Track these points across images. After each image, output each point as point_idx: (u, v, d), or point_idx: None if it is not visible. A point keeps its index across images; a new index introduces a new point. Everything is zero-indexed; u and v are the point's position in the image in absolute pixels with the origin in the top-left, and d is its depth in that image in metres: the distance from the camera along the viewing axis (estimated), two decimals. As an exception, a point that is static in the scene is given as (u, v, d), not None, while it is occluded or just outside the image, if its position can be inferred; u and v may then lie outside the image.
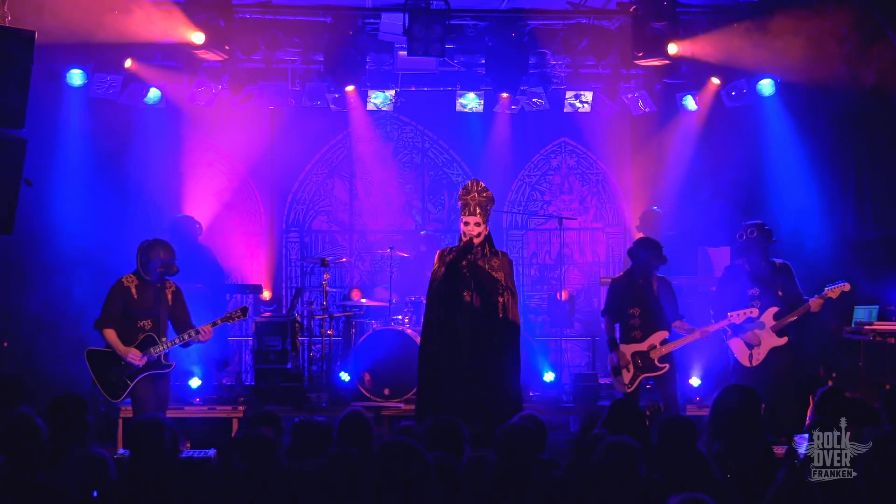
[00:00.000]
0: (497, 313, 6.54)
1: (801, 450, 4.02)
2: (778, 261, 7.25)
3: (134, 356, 6.52)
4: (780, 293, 7.11)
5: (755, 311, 6.96)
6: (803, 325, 8.46)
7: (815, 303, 6.99)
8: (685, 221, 9.87)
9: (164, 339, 6.61)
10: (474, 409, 6.23)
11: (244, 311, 6.79)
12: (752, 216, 9.46)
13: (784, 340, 7.07)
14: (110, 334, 6.58)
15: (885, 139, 8.87)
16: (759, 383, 7.03)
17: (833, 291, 6.95)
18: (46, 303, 8.68)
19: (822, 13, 8.00)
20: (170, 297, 6.74)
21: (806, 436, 4.72)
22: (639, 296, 7.19)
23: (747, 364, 7.13)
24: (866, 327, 7.92)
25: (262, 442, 4.14)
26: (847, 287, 6.95)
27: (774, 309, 7.13)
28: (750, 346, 7.11)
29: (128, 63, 8.62)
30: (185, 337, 6.63)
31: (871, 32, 7.87)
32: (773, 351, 7.08)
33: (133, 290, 6.66)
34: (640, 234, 9.50)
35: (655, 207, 9.75)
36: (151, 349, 6.58)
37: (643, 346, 7.15)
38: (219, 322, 6.74)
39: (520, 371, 6.64)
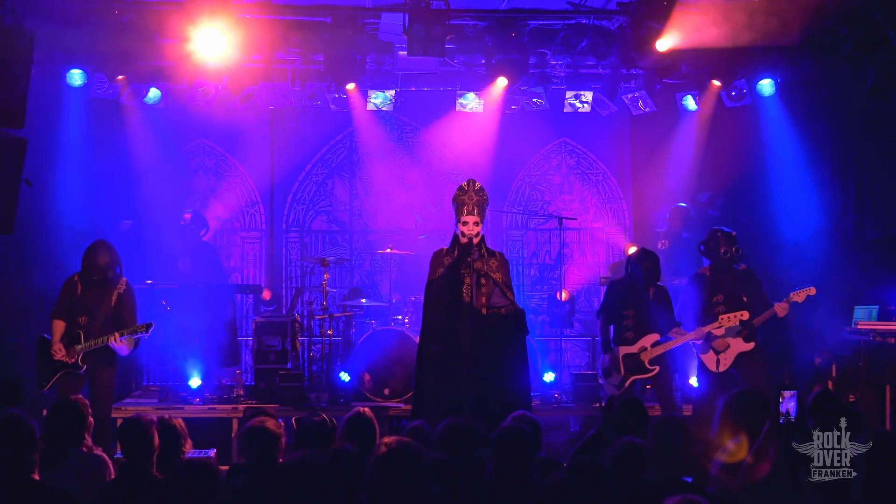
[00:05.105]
0: (498, 313, 6.54)
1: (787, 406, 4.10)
2: (741, 266, 7.23)
3: (56, 350, 6.81)
4: (744, 298, 7.10)
5: (745, 314, 6.95)
6: (800, 329, 8.49)
7: (780, 307, 6.97)
8: (685, 221, 9.86)
9: (90, 341, 6.80)
10: (477, 410, 6.22)
11: (147, 326, 6.86)
12: (753, 216, 9.50)
13: (751, 346, 7.06)
14: (55, 325, 6.91)
15: (885, 139, 8.87)
16: (729, 388, 7.02)
17: (798, 295, 6.94)
18: (48, 302, 8.67)
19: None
20: (114, 298, 6.92)
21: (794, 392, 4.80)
22: (634, 298, 7.24)
23: (714, 370, 7.14)
24: (866, 327, 7.91)
25: (265, 435, 4.14)
26: (812, 291, 6.93)
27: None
28: (717, 353, 7.11)
29: (119, 77, 8.65)
30: (100, 341, 6.80)
31: (871, 32, 7.87)
32: (741, 356, 7.08)
33: (78, 287, 6.96)
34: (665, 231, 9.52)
35: (683, 204, 9.70)
36: (75, 347, 6.80)
37: (634, 349, 7.21)
38: (125, 332, 6.82)
39: (527, 370, 6.60)
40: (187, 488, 3.81)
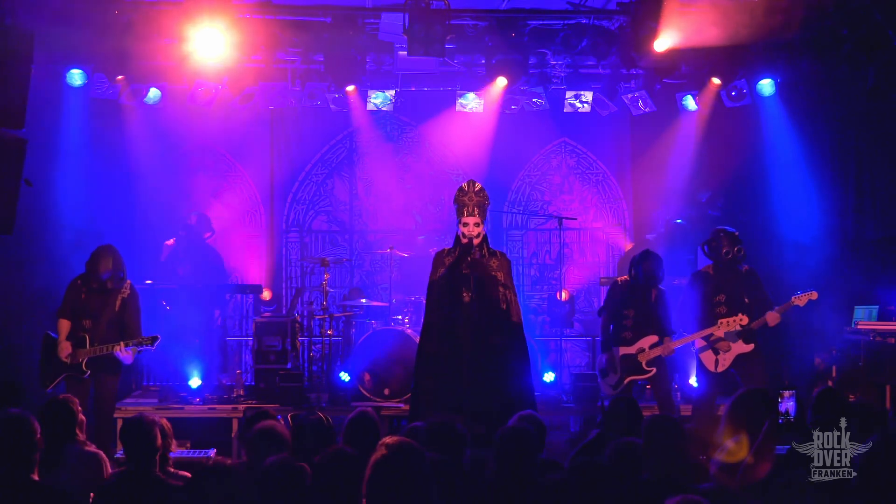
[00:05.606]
0: (498, 313, 6.53)
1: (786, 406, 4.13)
2: (744, 267, 7.22)
3: (63, 349, 6.84)
4: (746, 300, 7.09)
5: (745, 319, 6.94)
6: (800, 329, 8.48)
7: (772, 317, 6.93)
8: (685, 221, 9.87)
9: (94, 347, 6.83)
10: (476, 410, 6.22)
11: (153, 340, 6.91)
12: (752, 216, 9.50)
13: (751, 347, 7.04)
14: (60, 323, 6.94)
15: (885, 139, 8.87)
16: (729, 388, 7.02)
17: (800, 299, 6.92)
18: (48, 302, 8.67)
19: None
20: (118, 302, 6.94)
21: (794, 392, 4.83)
22: (636, 299, 7.24)
23: (712, 370, 7.13)
24: (866, 327, 7.91)
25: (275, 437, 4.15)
26: (814, 295, 6.91)
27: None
28: (717, 353, 7.10)
29: (119, 77, 8.65)
30: (105, 349, 6.83)
31: (871, 32, 7.86)
32: (741, 357, 7.07)
33: (82, 291, 6.98)
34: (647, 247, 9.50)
35: (679, 220, 9.69)
36: (80, 351, 6.84)
37: (632, 349, 7.20)
38: (130, 343, 6.87)
39: (528, 370, 6.60)
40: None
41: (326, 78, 8.98)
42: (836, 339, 8.23)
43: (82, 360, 6.84)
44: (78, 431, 4.76)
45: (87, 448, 4.72)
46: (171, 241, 9.15)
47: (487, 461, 4.27)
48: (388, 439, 3.30)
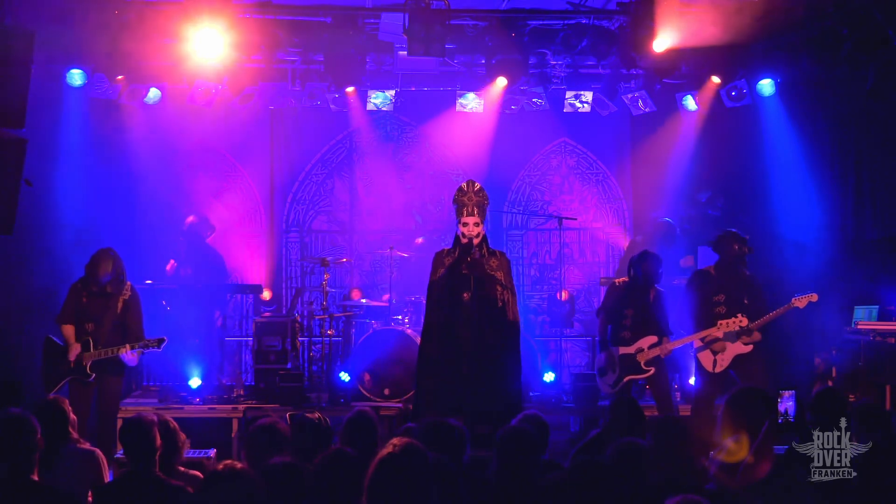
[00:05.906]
0: (497, 313, 6.54)
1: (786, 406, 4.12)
2: (747, 271, 7.23)
3: (74, 350, 6.84)
4: (745, 301, 7.09)
5: (745, 321, 6.93)
6: (800, 329, 8.48)
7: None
8: (685, 221, 9.87)
9: (99, 349, 6.86)
10: (475, 410, 6.23)
11: (159, 342, 6.97)
12: (752, 216, 9.49)
13: (749, 347, 7.05)
14: (65, 329, 6.95)
15: (884, 139, 8.87)
16: (728, 389, 7.02)
17: (800, 301, 6.93)
18: (48, 302, 8.67)
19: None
20: (120, 305, 6.96)
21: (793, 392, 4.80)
22: (635, 299, 7.24)
23: (710, 370, 7.13)
24: (866, 327, 7.91)
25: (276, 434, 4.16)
26: (815, 297, 6.91)
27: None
28: (714, 353, 7.10)
29: (119, 77, 8.65)
30: (111, 352, 6.86)
31: (871, 32, 7.86)
32: (739, 357, 7.06)
33: (83, 294, 6.98)
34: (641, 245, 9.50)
35: (668, 219, 9.70)
36: (84, 354, 6.86)
37: (631, 349, 7.21)
38: (136, 345, 6.93)
39: (520, 370, 6.63)
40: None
41: (326, 78, 8.98)
42: (836, 339, 8.23)
43: (87, 364, 6.85)
44: (71, 430, 4.78)
45: (82, 446, 4.73)
46: (171, 265, 9.14)
47: (488, 461, 4.27)
48: (396, 440, 3.31)
